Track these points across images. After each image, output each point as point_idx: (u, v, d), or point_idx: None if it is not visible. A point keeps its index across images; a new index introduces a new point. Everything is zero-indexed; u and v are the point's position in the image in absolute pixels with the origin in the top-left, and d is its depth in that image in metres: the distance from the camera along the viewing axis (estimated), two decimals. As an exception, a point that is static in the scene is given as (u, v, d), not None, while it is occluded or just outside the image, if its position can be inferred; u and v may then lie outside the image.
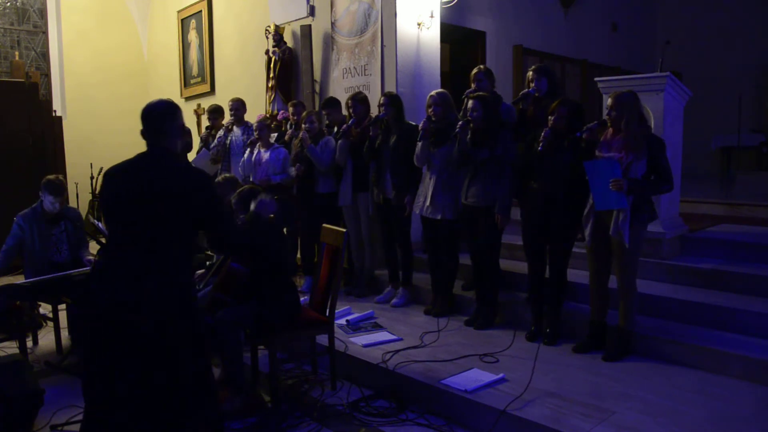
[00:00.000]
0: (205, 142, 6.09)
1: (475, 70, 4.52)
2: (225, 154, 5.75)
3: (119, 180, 2.26)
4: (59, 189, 4.14)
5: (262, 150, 5.27)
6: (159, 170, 2.23)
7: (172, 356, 2.20)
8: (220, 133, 5.81)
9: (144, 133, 2.30)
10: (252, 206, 2.66)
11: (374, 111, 5.10)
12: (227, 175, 4.43)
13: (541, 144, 3.61)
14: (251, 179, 5.21)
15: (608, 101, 3.44)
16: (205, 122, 6.72)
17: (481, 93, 4.10)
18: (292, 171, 5.10)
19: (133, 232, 2.20)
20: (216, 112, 6.17)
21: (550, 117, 3.66)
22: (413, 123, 4.62)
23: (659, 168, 3.36)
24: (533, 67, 4.27)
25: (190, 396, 2.23)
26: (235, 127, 5.77)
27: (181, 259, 2.24)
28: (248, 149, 5.35)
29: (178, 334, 2.20)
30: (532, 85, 4.20)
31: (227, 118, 6.12)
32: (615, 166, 3.27)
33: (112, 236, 2.31)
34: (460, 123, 3.96)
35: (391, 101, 4.58)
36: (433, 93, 4.34)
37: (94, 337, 2.20)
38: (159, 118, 2.28)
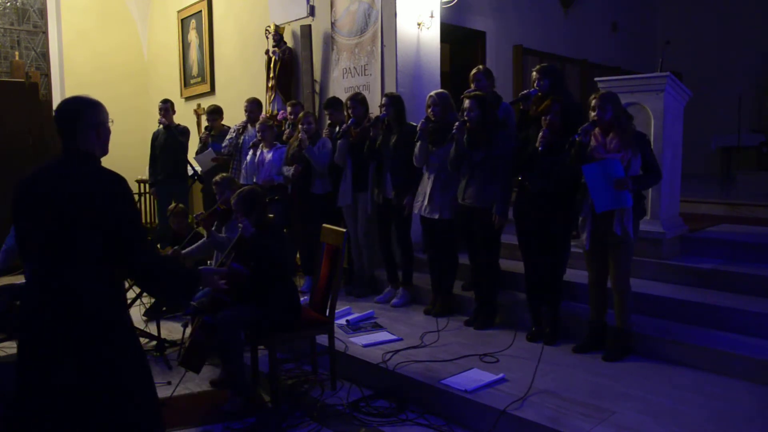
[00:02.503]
0: (204, 142, 6.09)
1: (474, 71, 4.52)
2: (237, 154, 5.74)
3: (27, 186, 2.00)
4: None
5: (265, 150, 5.29)
6: (66, 174, 1.97)
7: (89, 385, 1.92)
8: (232, 133, 5.80)
9: (58, 133, 2.05)
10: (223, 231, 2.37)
11: (374, 111, 5.10)
12: (225, 175, 4.43)
13: (540, 144, 3.61)
14: (254, 180, 5.23)
15: (592, 102, 3.44)
16: (204, 122, 6.73)
17: (477, 92, 4.10)
18: (288, 171, 5.09)
19: (39, 245, 1.94)
20: (215, 113, 6.17)
21: (544, 117, 3.67)
22: (414, 123, 4.62)
23: (647, 161, 3.42)
24: (538, 66, 4.27)
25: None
26: (249, 126, 5.75)
27: (91, 274, 1.93)
28: (251, 150, 5.36)
29: (92, 360, 1.91)
30: (535, 85, 4.20)
31: (227, 118, 6.13)
32: (617, 166, 3.27)
33: (25, 249, 2.02)
34: (456, 124, 3.96)
35: (392, 101, 4.58)
36: (432, 93, 4.34)
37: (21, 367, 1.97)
38: (70, 117, 2.03)
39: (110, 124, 2.14)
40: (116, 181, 2.00)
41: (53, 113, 2.08)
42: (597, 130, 3.46)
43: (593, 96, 3.48)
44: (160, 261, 2.11)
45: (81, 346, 1.92)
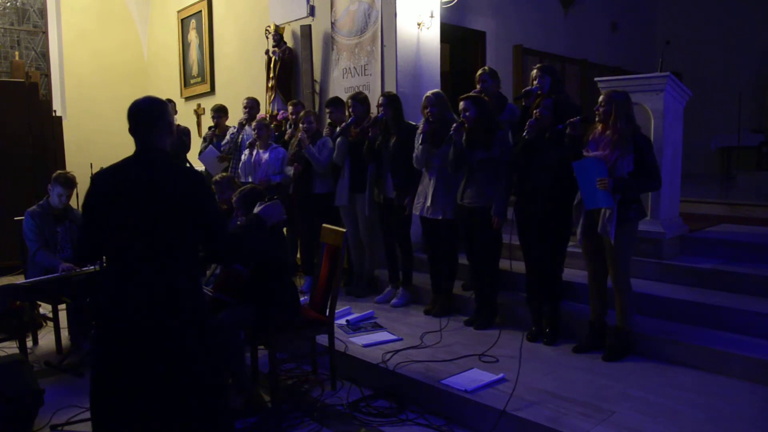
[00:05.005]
0: (209, 141, 6.09)
1: (479, 72, 4.53)
2: (236, 152, 5.74)
3: (112, 183, 2.09)
4: (70, 182, 4.20)
5: (261, 150, 5.28)
6: (155, 171, 2.08)
7: (189, 369, 2.07)
8: (232, 130, 5.80)
9: (133, 132, 2.15)
10: (257, 209, 2.43)
11: (375, 111, 5.10)
12: (224, 174, 4.43)
13: (526, 132, 3.64)
14: (251, 180, 5.22)
15: (600, 98, 3.46)
16: (205, 122, 6.73)
17: (472, 93, 4.11)
18: (290, 171, 5.10)
19: (133, 239, 2.04)
20: (220, 111, 6.17)
21: (535, 111, 3.69)
22: (413, 123, 4.62)
23: (647, 166, 3.38)
24: (538, 65, 4.27)
25: (207, 407, 2.12)
26: (247, 126, 5.76)
27: (187, 266, 2.09)
28: (247, 150, 5.35)
29: (192, 345, 2.08)
30: (535, 83, 4.20)
31: (230, 118, 6.12)
32: (601, 165, 3.30)
33: (110, 246, 2.11)
34: (454, 125, 3.96)
35: (390, 101, 4.57)
36: (428, 94, 4.33)
37: (109, 353, 2.07)
38: (148, 116, 2.13)
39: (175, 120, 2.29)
40: (200, 177, 2.18)
41: (128, 111, 2.16)
42: (599, 127, 3.46)
43: (603, 93, 3.48)
44: (234, 240, 2.24)
45: (192, 325, 2.08)
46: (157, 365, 2.02)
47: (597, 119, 3.47)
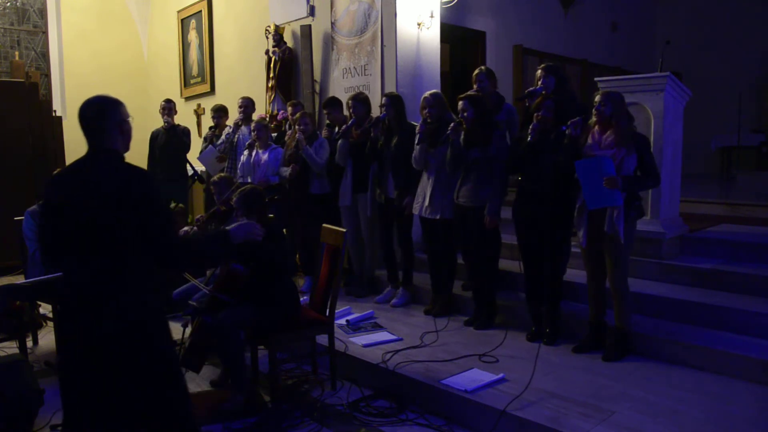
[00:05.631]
0: (209, 141, 6.10)
1: (476, 71, 4.52)
2: (232, 152, 5.75)
3: (59, 185, 2.09)
4: None
5: (260, 151, 5.28)
6: (97, 172, 2.05)
7: (146, 385, 2.06)
8: (228, 130, 5.81)
9: (83, 133, 2.11)
10: (231, 226, 2.32)
11: (374, 111, 5.10)
12: (223, 174, 4.42)
13: (530, 135, 3.64)
14: (249, 180, 5.22)
15: (596, 98, 3.47)
16: (205, 122, 6.73)
17: (470, 93, 4.11)
18: (285, 171, 5.09)
19: (75, 242, 2.01)
20: (220, 111, 6.18)
21: (536, 114, 3.68)
22: (415, 123, 4.62)
23: (645, 164, 3.41)
24: (542, 65, 4.27)
25: (158, 397, 2.11)
26: (243, 126, 5.77)
27: (131, 267, 2.03)
28: (246, 150, 5.36)
29: (148, 359, 2.06)
30: (540, 83, 4.19)
31: (231, 118, 6.12)
32: (608, 163, 3.29)
33: (62, 250, 2.08)
34: (452, 125, 3.96)
35: (392, 102, 4.57)
36: (426, 94, 4.33)
37: (63, 357, 2.12)
38: (91, 116, 2.09)
39: (130, 120, 2.21)
40: (144, 180, 2.09)
41: (79, 113, 2.11)
42: (596, 127, 3.47)
43: (597, 93, 3.50)
44: (184, 246, 2.18)
45: (125, 338, 2.02)
46: (101, 365, 2.03)
47: (595, 119, 3.47)
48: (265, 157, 5.23)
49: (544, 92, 4.06)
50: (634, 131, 3.46)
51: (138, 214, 2.00)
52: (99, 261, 2.00)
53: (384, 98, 4.62)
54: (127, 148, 2.19)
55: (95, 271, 2.01)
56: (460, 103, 4.01)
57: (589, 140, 3.48)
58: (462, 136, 3.97)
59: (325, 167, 4.99)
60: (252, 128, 5.37)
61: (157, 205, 2.07)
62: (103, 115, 2.10)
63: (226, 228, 2.31)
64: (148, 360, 2.07)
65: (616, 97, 3.43)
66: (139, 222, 2.00)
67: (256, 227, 2.36)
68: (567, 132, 3.49)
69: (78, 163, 2.12)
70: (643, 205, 3.64)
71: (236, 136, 5.74)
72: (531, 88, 4.25)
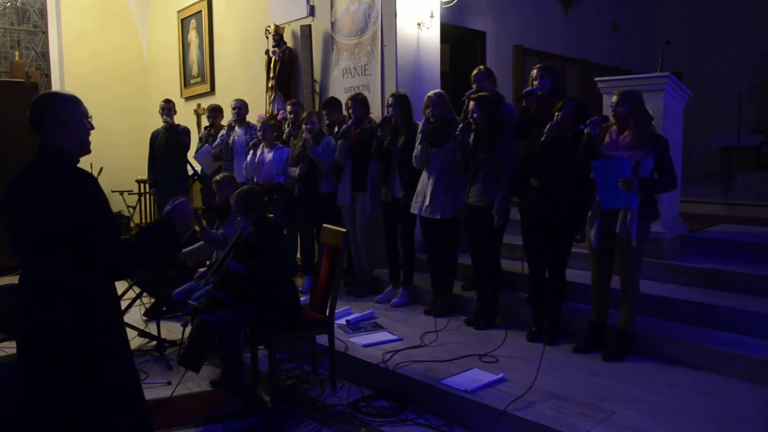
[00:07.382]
0: (205, 141, 6.12)
1: (475, 71, 4.51)
2: (227, 153, 5.77)
3: (8, 188, 1.97)
4: None
5: (266, 150, 5.30)
6: (35, 173, 1.93)
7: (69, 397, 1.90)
8: (223, 131, 5.83)
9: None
10: (166, 208, 2.18)
11: (374, 111, 5.10)
12: (225, 174, 4.43)
13: (545, 136, 3.59)
14: (255, 180, 5.23)
15: (613, 98, 3.41)
16: (204, 122, 6.72)
17: (481, 93, 4.09)
18: (294, 171, 5.10)
19: (20, 246, 1.94)
20: (215, 111, 6.19)
21: (557, 114, 3.63)
22: (418, 123, 4.62)
23: (664, 166, 3.34)
24: (538, 65, 4.26)
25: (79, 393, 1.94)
26: (237, 127, 5.78)
27: (76, 283, 1.89)
28: (251, 150, 5.37)
29: (75, 373, 1.89)
30: (535, 83, 4.19)
31: (225, 119, 6.13)
32: (624, 164, 3.23)
33: (15, 253, 2.00)
34: (461, 126, 3.96)
35: (399, 101, 4.57)
36: (430, 94, 4.34)
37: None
38: (37, 110, 1.97)
39: (87, 120, 2.05)
40: (79, 178, 1.92)
41: (27, 112, 2.01)
42: (613, 127, 3.43)
43: (615, 92, 3.44)
44: (124, 252, 1.95)
45: (66, 345, 1.88)
46: (30, 369, 1.94)
47: (612, 120, 3.42)
48: (269, 156, 5.24)
49: (540, 92, 4.06)
50: (653, 131, 3.39)
51: (71, 220, 1.83)
52: (33, 265, 1.91)
53: (390, 98, 4.63)
54: (82, 150, 2.05)
55: (27, 276, 1.93)
56: (471, 103, 4.00)
57: (607, 139, 3.43)
58: (471, 137, 3.96)
59: (333, 166, 4.99)
60: (258, 128, 5.38)
61: (92, 212, 1.87)
62: (44, 110, 1.96)
63: (165, 213, 2.15)
64: (76, 374, 1.91)
65: (633, 95, 3.35)
66: (72, 230, 1.84)
67: (184, 203, 2.19)
68: (585, 131, 3.45)
69: (28, 162, 2.00)
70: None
71: (231, 137, 5.76)
72: (527, 89, 4.24)
